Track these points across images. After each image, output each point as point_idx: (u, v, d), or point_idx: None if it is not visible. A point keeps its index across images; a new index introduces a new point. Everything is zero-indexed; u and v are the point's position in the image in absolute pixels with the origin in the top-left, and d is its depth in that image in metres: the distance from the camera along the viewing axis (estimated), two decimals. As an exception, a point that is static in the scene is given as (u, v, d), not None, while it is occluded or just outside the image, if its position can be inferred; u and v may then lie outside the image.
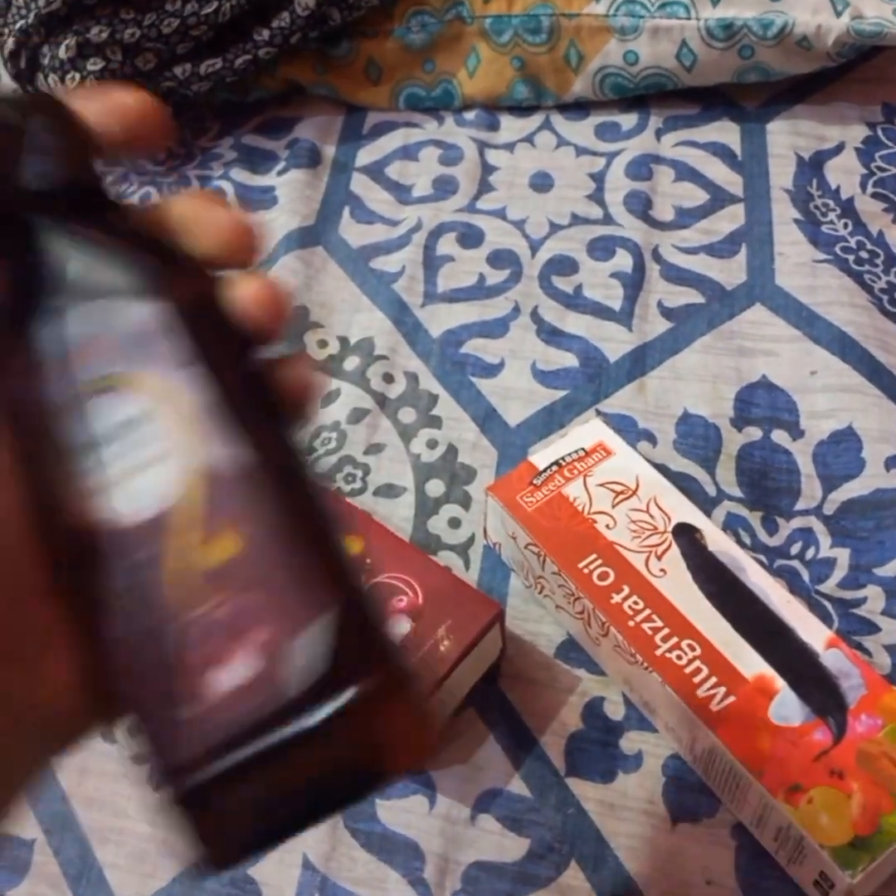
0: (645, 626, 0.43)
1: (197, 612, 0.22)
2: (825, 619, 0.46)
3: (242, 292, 0.25)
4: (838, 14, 0.63)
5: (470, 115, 0.72)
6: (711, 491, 0.51)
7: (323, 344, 0.61)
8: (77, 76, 0.66)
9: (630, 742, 0.45)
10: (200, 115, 0.75)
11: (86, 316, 0.23)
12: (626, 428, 0.54)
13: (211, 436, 0.23)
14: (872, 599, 0.47)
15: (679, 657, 0.42)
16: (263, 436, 0.23)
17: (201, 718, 0.22)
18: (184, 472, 0.23)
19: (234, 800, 0.22)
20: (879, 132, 0.67)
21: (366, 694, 0.22)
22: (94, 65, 0.66)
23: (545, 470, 0.48)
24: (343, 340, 0.61)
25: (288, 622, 0.22)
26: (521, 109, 0.72)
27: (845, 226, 0.62)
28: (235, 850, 0.23)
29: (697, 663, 0.42)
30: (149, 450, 0.23)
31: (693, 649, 0.43)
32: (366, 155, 0.71)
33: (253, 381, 0.24)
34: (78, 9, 0.65)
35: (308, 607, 0.22)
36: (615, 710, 0.46)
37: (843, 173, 0.65)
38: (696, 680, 0.42)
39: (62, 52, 0.66)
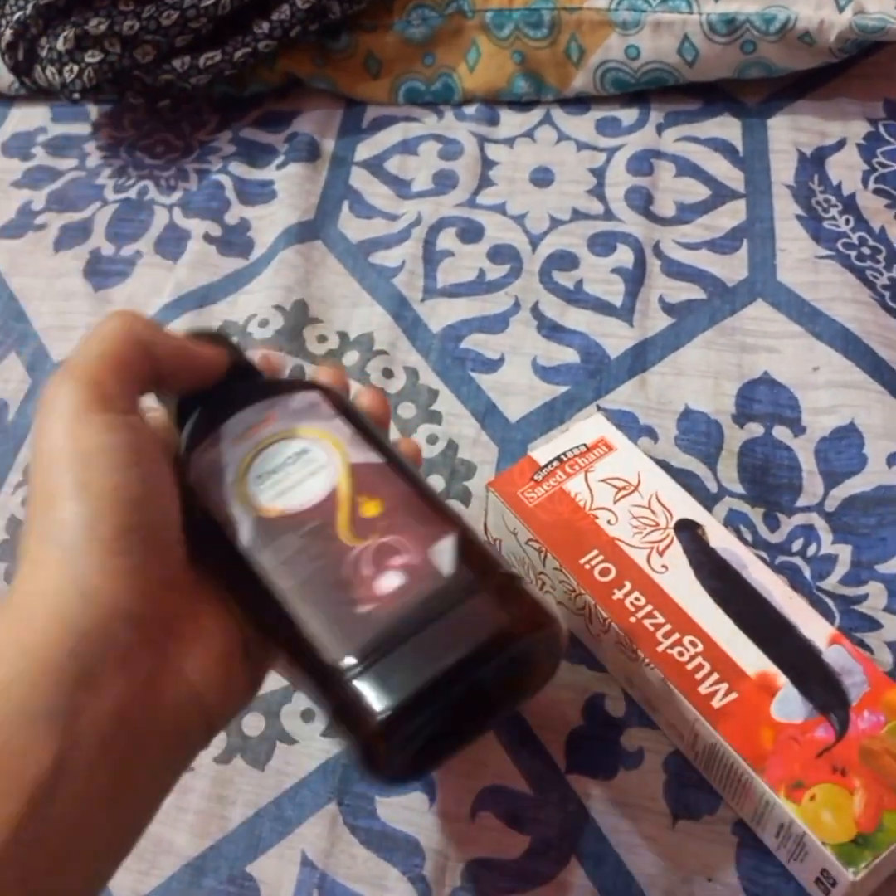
0: (646, 622, 0.43)
1: (362, 545, 0.33)
2: (827, 615, 0.46)
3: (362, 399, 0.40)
4: (841, 9, 0.63)
5: (470, 110, 0.72)
6: (713, 487, 0.51)
7: (322, 339, 0.61)
8: (75, 68, 0.65)
9: (631, 739, 0.45)
10: (199, 109, 0.75)
11: (263, 408, 0.37)
12: (628, 424, 0.54)
13: (350, 450, 0.36)
14: (874, 596, 0.47)
15: (680, 654, 0.42)
16: (378, 445, 0.37)
17: (376, 609, 0.32)
18: (338, 471, 0.35)
19: (412, 661, 0.31)
20: (881, 128, 0.66)
21: (503, 577, 0.33)
22: (92, 57, 0.65)
23: (546, 465, 0.48)
24: (342, 335, 0.61)
25: (424, 541, 0.33)
26: (522, 104, 0.72)
27: (847, 222, 0.61)
28: (407, 759, 0.32)
29: (699, 660, 0.42)
30: (313, 464, 0.36)
31: (695, 646, 0.42)
32: (365, 149, 0.71)
33: (367, 422, 0.38)
34: (76, 0, 0.65)
35: (436, 532, 0.34)
36: (616, 707, 0.46)
37: (845, 169, 0.64)
38: (698, 676, 0.42)
39: (60, 44, 0.65)
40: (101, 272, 0.66)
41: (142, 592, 0.31)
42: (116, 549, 0.30)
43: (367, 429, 0.37)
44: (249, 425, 0.37)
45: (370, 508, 0.34)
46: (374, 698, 0.30)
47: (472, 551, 0.34)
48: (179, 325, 0.62)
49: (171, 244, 0.67)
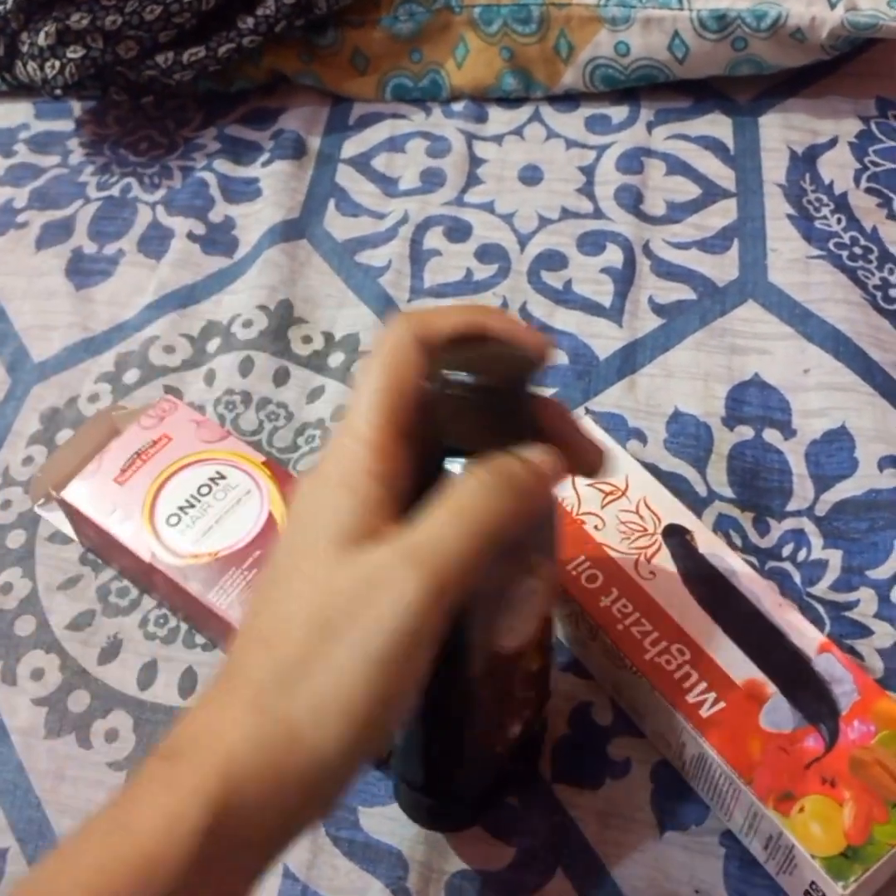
0: (634, 629, 0.42)
1: (519, 695, 0.39)
2: (817, 621, 0.46)
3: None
4: (832, 6, 0.62)
5: (458, 107, 0.71)
6: (702, 491, 0.50)
7: (307, 339, 0.60)
8: (57, 64, 0.64)
9: (618, 748, 0.44)
10: (183, 105, 0.74)
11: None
12: (616, 426, 0.53)
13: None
14: (865, 602, 0.46)
15: (668, 662, 0.42)
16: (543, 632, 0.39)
17: (502, 752, 0.40)
18: (541, 620, 0.38)
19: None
20: (873, 126, 0.66)
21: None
22: (74, 53, 0.64)
23: (533, 469, 0.47)
24: (328, 336, 0.60)
25: (541, 702, 0.42)
26: (510, 101, 0.71)
27: (839, 221, 0.61)
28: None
29: (687, 668, 0.41)
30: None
31: (683, 654, 0.42)
32: (352, 146, 0.70)
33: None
34: (58, -5, 0.64)
35: (546, 696, 0.42)
36: (603, 715, 0.45)
37: (837, 168, 0.64)
38: (686, 685, 0.41)
39: (41, 40, 0.64)
40: (83, 271, 0.65)
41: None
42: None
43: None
44: None
45: (534, 664, 0.38)
46: (464, 810, 0.41)
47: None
48: (162, 326, 0.61)
49: (155, 243, 0.66)
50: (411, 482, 0.32)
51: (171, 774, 0.28)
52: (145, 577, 0.49)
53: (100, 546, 0.51)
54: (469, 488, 0.30)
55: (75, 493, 0.50)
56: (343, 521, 0.30)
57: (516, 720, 0.39)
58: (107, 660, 0.49)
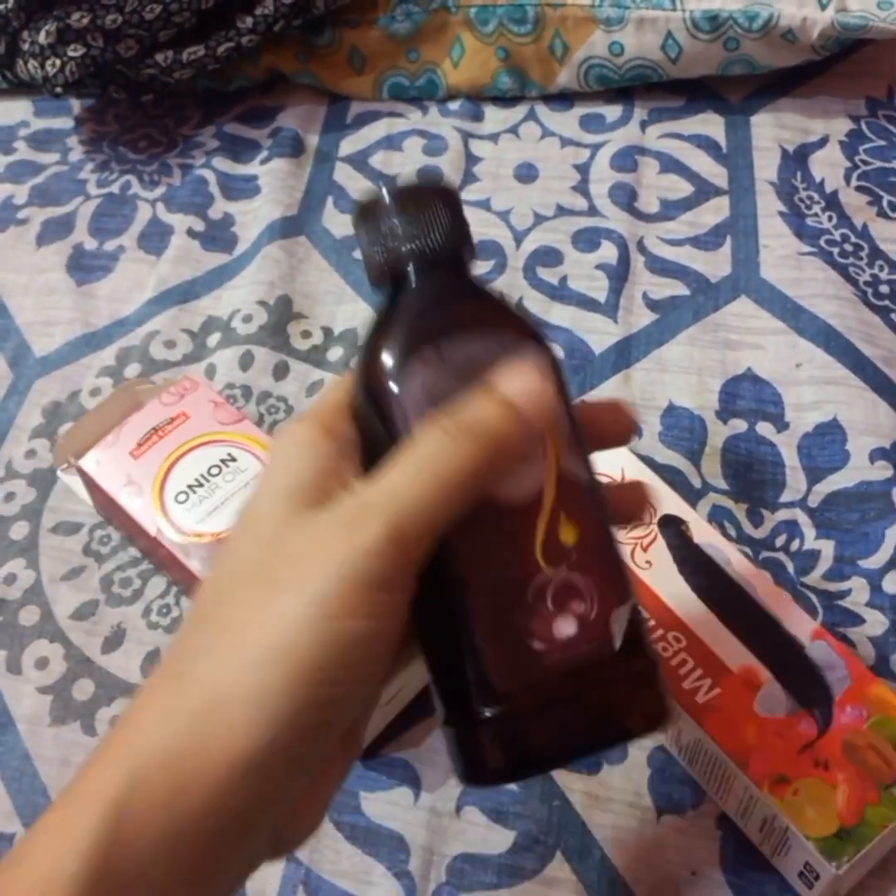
0: (631, 617, 0.43)
1: (550, 573, 0.31)
2: (810, 610, 0.46)
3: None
4: (823, 7, 0.63)
5: (454, 106, 0.71)
6: (697, 483, 0.51)
7: (306, 334, 0.60)
8: (58, 62, 0.65)
9: (615, 734, 0.45)
10: (182, 104, 0.74)
11: (487, 345, 0.31)
12: (612, 420, 0.54)
13: (565, 454, 0.32)
14: (857, 591, 0.47)
15: (665, 649, 0.42)
16: (585, 455, 0.32)
17: (547, 652, 0.30)
18: (549, 470, 0.31)
19: (548, 721, 0.30)
20: (863, 126, 0.67)
21: (649, 664, 0.32)
22: (74, 51, 0.65)
23: (531, 461, 0.48)
24: (327, 331, 0.61)
25: (609, 600, 0.31)
26: (506, 100, 0.72)
27: (830, 219, 0.62)
28: (526, 768, 0.31)
29: (683, 655, 0.42)
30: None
31: (679, 641, 0.43)
32: (349, 145, 0.71)
33: (578, 419, 0.33)
34: (58, -6, 0.64)
35: (619, 594, 0.31)
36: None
37: (828, 166, 0.65)
38: (682, 672, 0.42)
39: (42, 38, 0.65)
40: (83, 267, 0.66)
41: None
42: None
43: (579, 428, 0.33)
44: (472, 362, 0.31)
45: (568, 533, 0.31)
46: (502, 747, 0.30)
47: (637, 624, 0.32)
48: (162, 321, 0.62)
49: (155, 239, 0.67)
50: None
51: (64, 805, 0.26)
52: (151, 550, 0.50)
53: (111, 515, 0.52)
54: (431, 439, 0.29)
55: (92, 462, 0.51)
56: (296, 482, 0.29)
57: (560, 614, 0.31)
58: (110, 649, 0.50)
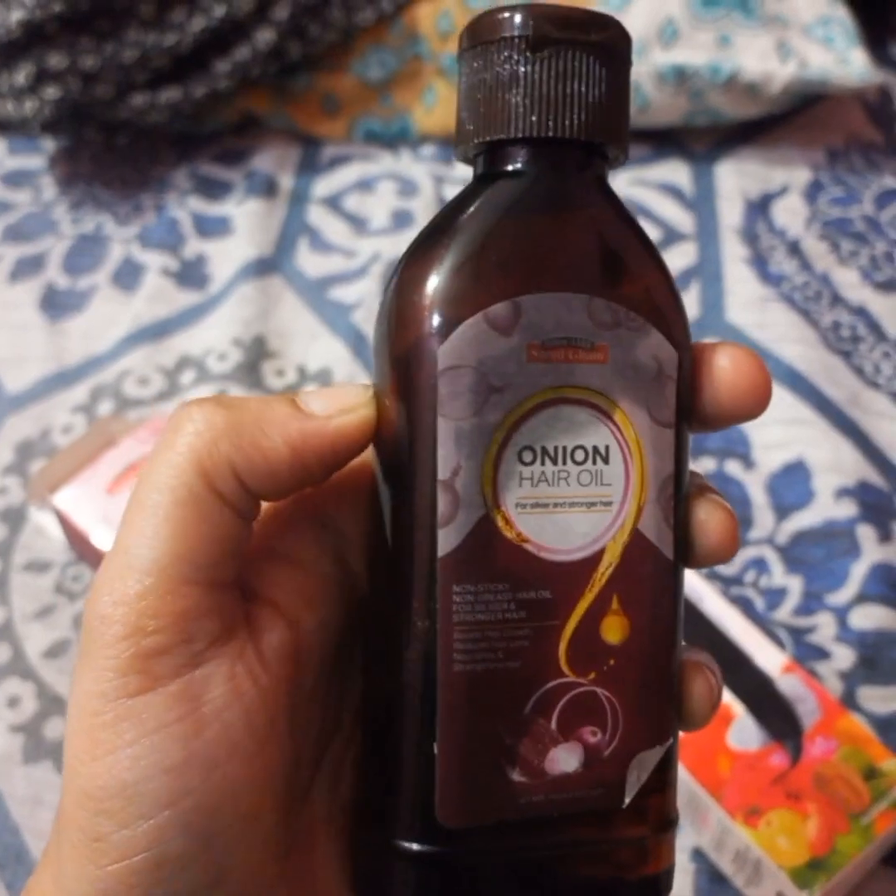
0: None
1: (569, 681, 0.23)
2: (779, 645, 0.47)
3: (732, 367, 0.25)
4: (784, 62, 0.66)
5: (426, 150, 0.73)
6: (667, 520, 0.52)
7: (280, 373, 0.61)
8: (35, 103, 0.66)
9: (590, 768, 0.45)
10: (156, 144, 0.75)
11: (588, 310, 0.22)
12: (583, 458, 0.55)
13: (652, 508, 0.23)
14: (824, 627, 0.48)
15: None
16: (679, 529, 0.24)
17: (527, 788, 0.22)
18: (620, 530, 0.23)
19: (496, 882, 0.23)
20: (823, 176, 0.69)
21: (662, 829, 0.24)
22: (52, 93, 0.66)
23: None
24: (301, 370, 0.61)
25: (636, 735, 0.23)
26: (477, 146, 0.73)
27: (792, 265, 0.64)
28: None
29: (657, 689, 0.43)
30: (601, 487, 0.23)
31: (653, 675, 0.43)
32: (323, 186, 0.72)
33: (687, 460, 0.24)
34: (37, 36, 0.65)
35: (655, 730, 0.23)
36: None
37: (789, 214, 0.67)
38: (657, 705, 0.42)
39: (21, 79, 0.65)
40: (57, 305, 0.66)
41: None
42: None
43: (685, 473, 0.24)
44: (562, 335, 0.22)
45: (614, 628, 0.23)
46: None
47: (664, 775, 0.24)
48: (136, 359, 0.62)
49: (128, 278, 0.67)
50: None
51: None
52: None
53: (84, 553, 0.52)
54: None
55: (66, 499, 0.50)
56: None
57: (564, 741, 0.23)
58: (83, 687, 0.49)
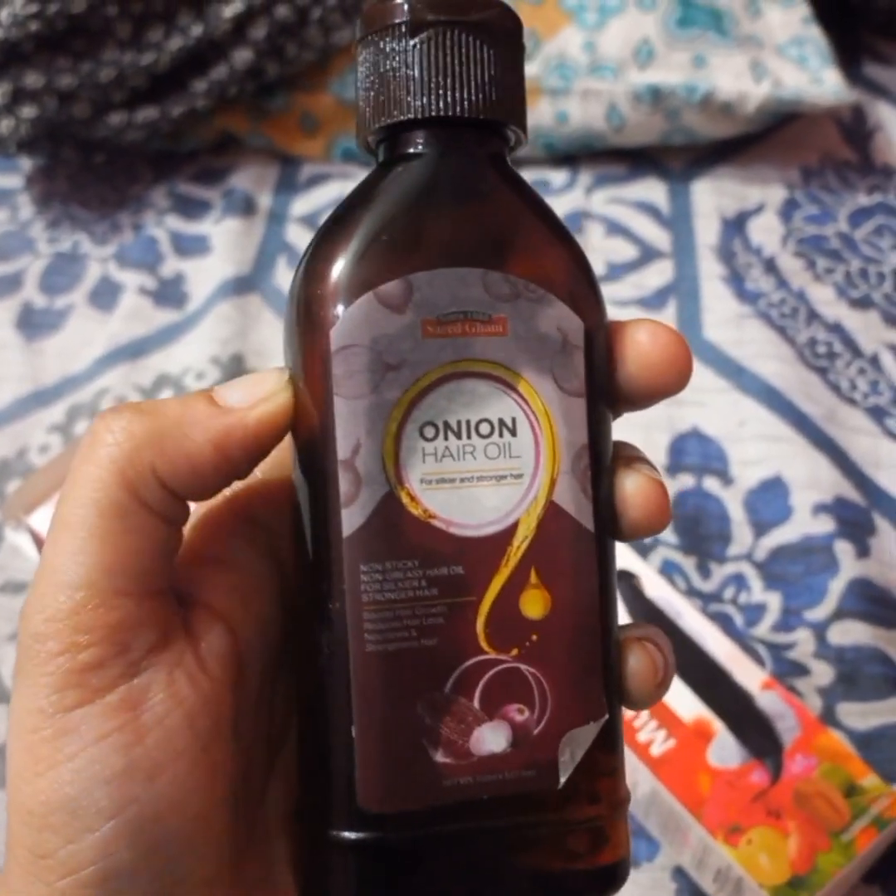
0: (586, 670, 0.44)
1: (490, 658, 0.22)
2: (758, 662, 0.47)
3: (646, 341, 0.25)
4: (759, 81, 0.66)
5: (405, 169, 0.73)
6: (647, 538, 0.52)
7: (259, 391, 0.61)
8: (11, 123, 0.65)
9: (571, 787, 0.45)
10: (134, 163, 0.75)
11: (485, 283, 0.22)
12: (562, 476, 0.55)
13: (566, 479, 0.23)
14: (803, 643, 0.48)
15: (619, 701, 0.43)
16: (601, 500, 0.23)
17: (452, 770, 0.22)
18: (534, 502, 0.22)
19: (429, 868, 0.22)
20: (798, 194, 0.70)
21: (607, 812, 0.23)
22: (28, 112, 0.65)
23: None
24: (279, 388, 0.61)
25: (567, 712, 0.22)
26: (455, 165, 0.73)
27: (768, 282, 0.64)
28: None
29: (637, 707, 0.43)
30: (510, 460, 0.23)
31: (633, 693, 0.43)
32: (301, 205, 0.72)
33: (607, 432, 0.24)
34: (13, 55, 0.65)
35: (589, 706, 0.23)
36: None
37: (765, 232, 0.67)
38: (637, 724, 0.42)
39: (-4, 98, 0.65)
40: (33, 324, 0.66)
41: None
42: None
43: (605, 441, 0.24)
44: (458, 310, 0.22)
45: (535, 602, 0.22)
46: (355, 886, 0.22)
47: (605, 754, 0.23)
48: (113, 378, 0.62)
49: (105, 297, 0.67)
50: None
51: None
52: None
53: None
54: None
55: (42, 520, 0.50)
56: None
57: (489, 720, 0.22)
58: (59, 710, 0.49)
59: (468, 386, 0.22)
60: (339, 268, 0.22)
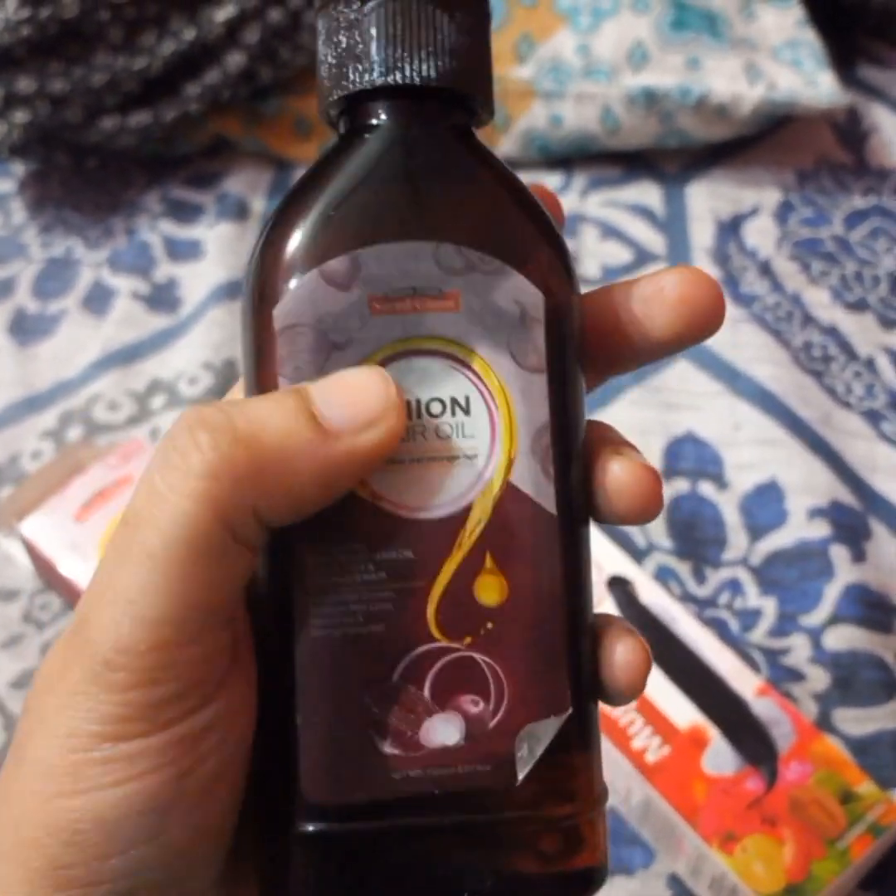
0: (580, 677, 0.43)
1: (441, 646, 0.21)
2: (753, 667, 0.47)
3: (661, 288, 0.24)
4: (753, 84, 0.66)
5: (398, 173, 0.73)
6: (642, 543, 0.52)
7: (252, 397, 0.61)
8: (3, 127, 0.65)
9: (565, 795, 0.45)
10: (127, 168, 0.75)
11: (436, 256, 0.21)
12: (557, 480, 0.55)
13: (525, 459, 0.21)
14: (798, 648, 0.48)
15: (613, 709, 0.43)
16: (567, 482, 0.22)
17: (400, 762, 0.21)
18: (488, 483, 0.21)
19: (377, 863, 0.21)
20: (793, 197, 0.69)
21: (580, 810, 0.22)
22: (21, 117, 0.65)
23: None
24: (273, 393, 0.61)
25: (523, 704, 0.21)
26: (449, 168, 0.73)
27: (763, 286, 0.64)
28: None
29: (632, 715, 0.43)
30: (464, 440, 0.21)
31: (627, 700, 0.43)
32: (295, 210, 0.71)
33: (577, 410, 0.23)
34: (5, 60, 0.64)
35: (549, 698, 0.21)
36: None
37: (760, 235, 0.67)
38: (631, 732, 0.42)
39: (-12, 103, 0.65)
40: (26, 329, 0.65)
41: None
42: None
43: (573, 422, 0.23)
44: (407, 285, 0.21)
45: (490, 588, 0.21)
46: (306, 878, 0.21)
47: (571, 748, 0.22)
48: (106, 384, 0.61)
49: (98, 302, 0.67)
50: None
51: None
52: None
53: (52, 581, 0.51)
54: (176, 427, 0.21)
55: (33, 527, 0.50)
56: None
57: (440, 711, 0.21)
58: (51, 718, 0.49)
59: (419, 364, 0.21)
60: (287, 245, 0.21)
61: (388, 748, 0.21)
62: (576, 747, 0.22)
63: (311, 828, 0.21)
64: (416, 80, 0.22)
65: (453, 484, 0.21)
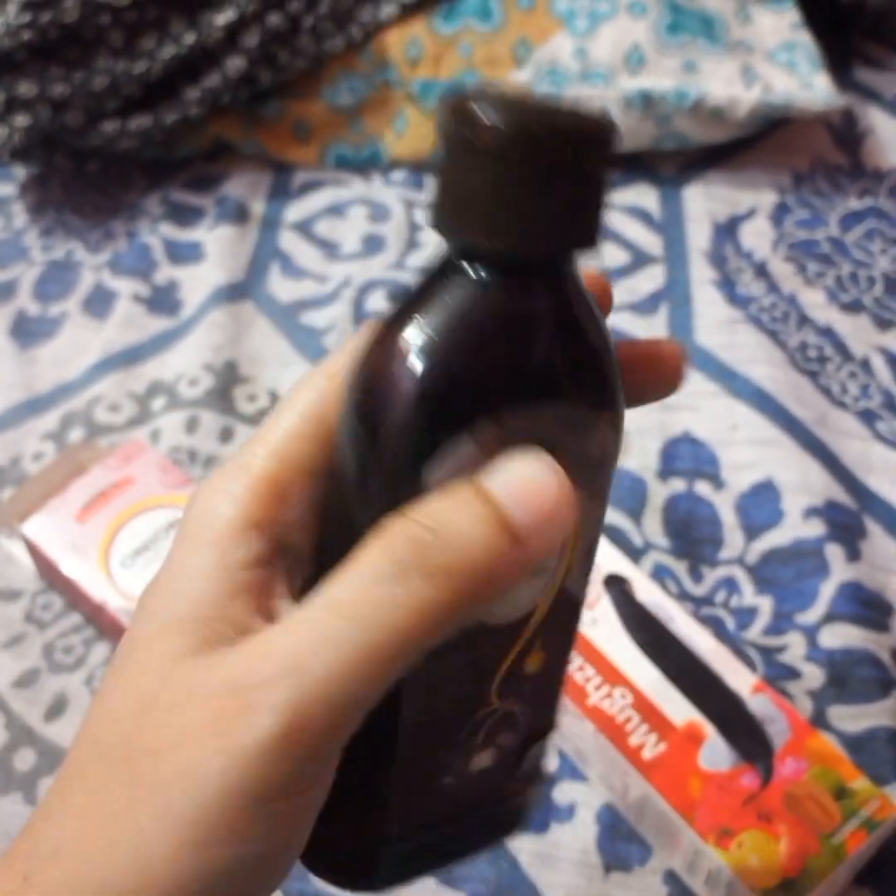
0: (578, 674, 0.44)
1: (495, 707, 0.26)
2: (749, 665, 0.48)
3: None
4: (749, 87, 0.66)
5: (398, 175, 0.73)
6: (639, 541, 0.53)
7: (252, 398, 0.61)
8: (4, 131, 0.65)
9: (563, 793, 0.45)
10: (127, 171, 0.75)
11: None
12: (554, 481, 0.55)
13: (577, 567, 0.25)
14: (794, 646, 0.49)
15: (611, 706, 0.43)
16: (590, 568, 0.25)
17: (455, 787, 0.27)
18: (549, 589, 0.24)
19: (426, 845, 0.28)
20: (789, 199, 0.70)
21: (533, 782, 0.30)
22: (22, 121, 0.66)
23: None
24: (273, 394, 0.61)
25: (536, 732, 0.28)
26: (448, 171, 0.73)
27: (759, 287, 0.64)
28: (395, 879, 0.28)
29: (629, 711, 0.43)
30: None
31: (625, 697, 0.43)
32: (294, 212, 0.72)
33: (601, 519, 0.25)
34: (6, 64, 0.65)
35: (548, 724, 0.28)
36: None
37: (756, 237, 0.67)
38: (628, 728, 0.42)
39: (-11, 107, 0.65)
40: (27, 332, 0.66)
41: None
42: None
43: (599, 526, 0.25)
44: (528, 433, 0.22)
45: (534, 662, 0.25)
46: (374, 863, 0.27)
47: (542, 746, 0.29)
48: (107, 386, 0.62)
49: (99, 304, 0.67)
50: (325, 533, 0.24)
51: None
52: (95, 616, 0.50)
53: (54, 581, 0.52)
54: (374, 572, 0.20)
55: (35, 527, 0.50)
56: (197, 599, 0.22)
57: (486, 748, 0.27)
58: (53, 717, 0.49)
59: None
60: (442, 404, 0.21)
61: (448, 779, 0.26)
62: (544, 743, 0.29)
63: (400, 838, 0.27)
64: (544, 249, 0.21)
65: (530, 593, 0.24)
